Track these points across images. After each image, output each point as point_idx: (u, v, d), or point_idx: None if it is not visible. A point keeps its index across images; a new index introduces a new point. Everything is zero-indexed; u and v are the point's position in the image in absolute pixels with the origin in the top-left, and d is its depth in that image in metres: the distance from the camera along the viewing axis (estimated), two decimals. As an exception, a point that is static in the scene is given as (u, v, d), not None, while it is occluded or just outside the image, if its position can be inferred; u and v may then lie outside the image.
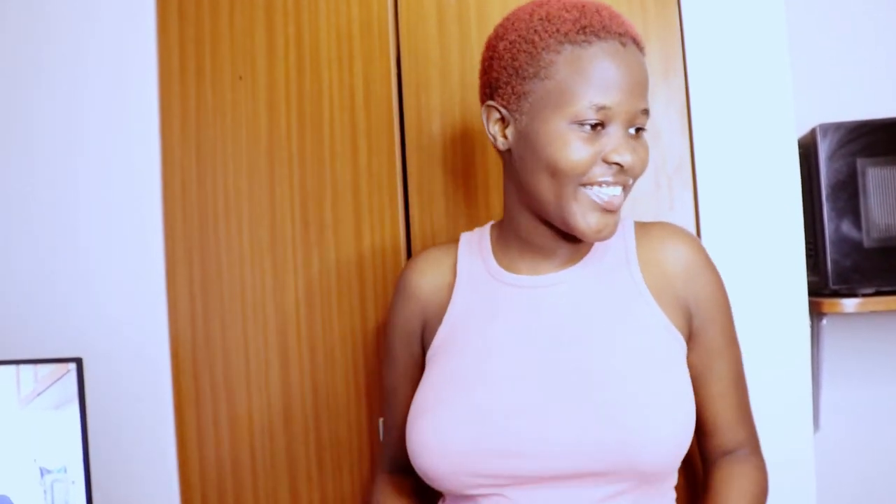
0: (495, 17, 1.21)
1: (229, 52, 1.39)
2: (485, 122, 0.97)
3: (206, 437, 1.37)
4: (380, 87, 1.35)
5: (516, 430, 0.89)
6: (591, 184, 0.91)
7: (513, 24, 0.94)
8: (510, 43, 0.93)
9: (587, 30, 0.89)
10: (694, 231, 1.28)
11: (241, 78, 1.38)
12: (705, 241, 1.27)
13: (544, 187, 0.92)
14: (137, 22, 1.42)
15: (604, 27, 0.89)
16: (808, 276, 1.26)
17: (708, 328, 1.00)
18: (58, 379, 1.25)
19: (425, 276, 1.06)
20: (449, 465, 0.90)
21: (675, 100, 1.29)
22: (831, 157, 1.34)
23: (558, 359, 0.93)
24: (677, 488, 1.01)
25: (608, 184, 0.91)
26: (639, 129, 0.93)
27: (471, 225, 1.29)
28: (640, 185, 1.28)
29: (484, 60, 0.98)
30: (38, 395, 1.25)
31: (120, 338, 1.40)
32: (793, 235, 1.25)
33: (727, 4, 1.27)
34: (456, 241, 1.09)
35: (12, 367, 1.25)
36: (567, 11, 0.91)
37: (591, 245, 1.02)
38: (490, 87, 0.96)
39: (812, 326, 1.37)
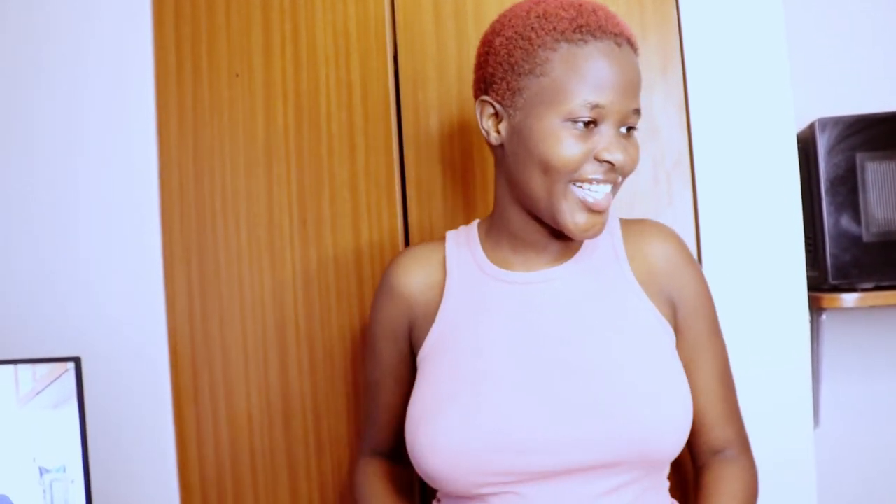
0: (492, 13, 1.21)
1: (226, 49, 1.39)
2: (478, 117, 0.98)
3: (206, 435, 1.37)
4: (377, 84, 1.34)
5: (527, 426, 0.89)
6: (582, 181, 0.92)
7: (510, 20, 0.95)
8: (507, 39, 0.94)
9: (584, 29, 0.90)
10: (693, 227, 1.28)
11: (237, 76, 1.38)
12: (704, 236, 1.27)
13: (536, 183, 0.93)
14: (134, 21, 1.41)
15: (600, 27, 0.90)
16: (807, 271, 1.26)
17: (690, 323, 1.02)
18: (56, 378, 1.25)
19: (413, 275, 1.06)
20: (461, 465, 0.90)
21: (673, 95, 1.29)
22: (830, 152, 1.34)
23: (558, 354, 0.94)
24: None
25: (598, 181, 0.92)
26: (630, 129, 0.94)
27: (469, 220, 1.28)
28: (639, 181, 1.28)
29: (479, 56, 0.99)
30: (37, 394, 1.25)
31: (118, 337, 1.39)
32: (792, 230, 1.25)
33: (725, -1, 1.27)
34: (441, 239, 1.09)
35: (10, 367, 1.25)
36: (564, 10, 0.92)
37: (581, 241, 1.02)
38: (485, 83, 0.97)
39: (811, 322, 1.37)
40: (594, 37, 0.90)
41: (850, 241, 1.34)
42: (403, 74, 1.35)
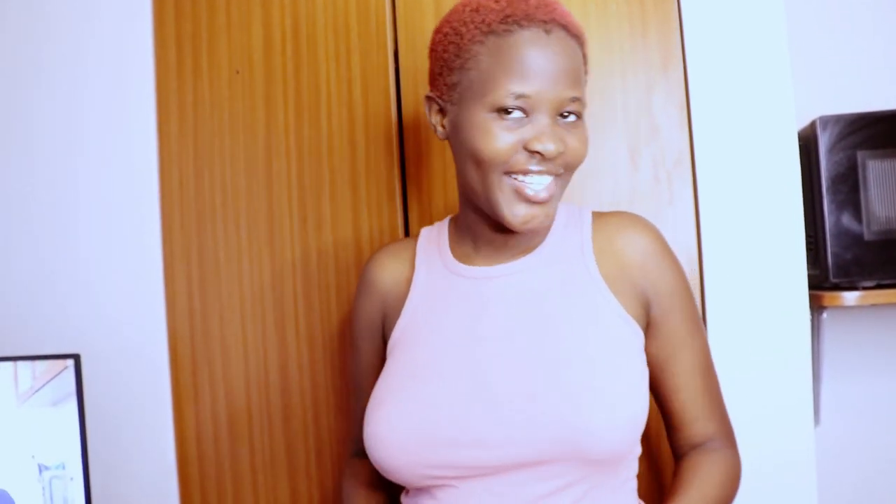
0: (493, 10, 1.21)
1: (226, 46, 1.38)
2: (426, 112, 1.00)
3: (205, 433, 1.37)
4: (378, 81, 1.34)
5: (467, 419, 0.89)
6: (515, 172, 0.91)
7: (449, 16, 0.97)
8: (443, 35, 0.96)
9: (510, 19, 0.90)
10: (694, 226, 1.27)
11: (238, 72, 1.38)
12: (705, 235, 1.26)
13: (472, 177, 0.94)
14: (134, 18, 1.41)
15: (527, 16, 0.90)
16: (808, 269, 1.26)
17: (667, 318, 0.99)
18: (56, 375, 1.24)
19: (385, 270, 1.08)
20: (402, 456, 0.91)
21: (674, 94, 1.28)
22: (831, 150, 1.34)
23: (509, 348, 0.93)
24: (641, 478, 1.01)
25: (534, 173, 0.91)
26: (576, 118, 0.93)
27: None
28: (640, 180, 1.28)
29: (428, 53, 1.01)
30: (36, 391, 1.25)
31: (118, 334, 1.39)
32: (793, 228, 1.25)
33: (726, -4, 1.27)
34: (418, 235, 1.11)
35: (10, 364, 1.25)
36: (496, 2, 0.92)
37: (544, 235, 1.02)
38: (430, 79, 1.00)
39: (812, 320, 1.37)
40: (520, 26, 0.90)
41: (851, 240, 1.34)
42: (404, 71, 1.35)
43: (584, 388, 0.88)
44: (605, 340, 0.93)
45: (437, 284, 1.03)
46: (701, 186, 1.27)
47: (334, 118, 1.35)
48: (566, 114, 0.92)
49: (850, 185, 1.34)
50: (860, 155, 1.34)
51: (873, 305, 1.49)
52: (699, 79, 1.28)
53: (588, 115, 1.28)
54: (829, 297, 1.34)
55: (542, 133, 0.90)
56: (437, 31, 0.98)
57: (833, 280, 1.35)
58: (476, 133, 0.91)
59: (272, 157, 1.37)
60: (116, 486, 1.38)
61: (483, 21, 0.91)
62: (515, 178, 0.92)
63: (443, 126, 0.98)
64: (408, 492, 1.00)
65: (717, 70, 1.27)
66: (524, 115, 0.90)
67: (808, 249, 1.31)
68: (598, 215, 1.03)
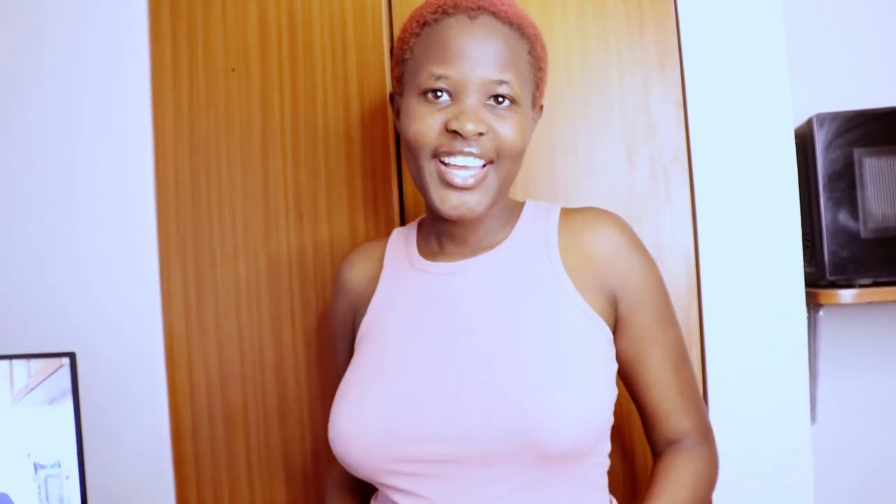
0: (490, 8, 1.21)
1: (222, 44, 1.38)
2: (391, 109, 1.03)
3: (201, 431, 1.36)
4: (373, 78, 1.34)
5: (426, 414, 0.89)
6: (441, 155, 0.93)
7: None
8: (398, 36, 1.00)
9: (440, 9, 0.94)
10: (690, 223, 1.27)
11: (233, 70, 1.37)
12: (702, 233, 1.26)
13: (410, 165, 0.97)
14: (130, 15, 1.41)
15: (455, 4, 0.94)
16: (804, 266, 1.26)
17: (636, 313, 0.98)
18: (51, 374, 1.24)
19: (355, 269, 1.09)
20: (363, 450, 0.91)
21: (671, 91, 1.28)
22: (828, 147, 1.34)
23: (468, 344, 0.93)
24: (615, 474, 1.02)
25: (462, 154, 0.92)
26: (510, 103, 0.93)
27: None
28: (637, 178, 1.28)
29: None
30: (32, 390, 1.24)
31: (114, 332, 1.39)
32: (789, 226, 1.25)
33: (723, -6, 1.27)
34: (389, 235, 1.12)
35: (5, 362, 1.24)
36: None
37: (508, 231, 1.02)
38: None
39: (809, 318, 1.37)
40: (447, 14, 0.93)
41: (848, 237, 1.34)
42: (400, 69, 1.34)
43: (541, 384, 0.87)
44: (565, 337, 0.92)
45: (402, 282, 1.03)
46: (698, 184, 1.27)
47: (330, 114, 1.35)
48: (500, 100, 0.93)
49: (846, 183, 1.34)
50: (857, 152, 1.34)
51: (870, 303, 1.49)
52: (696, 77, 1.27)
53: (585, 113, 1.29)
54: (825, 294, 1.34)
55: (461, 113, 0.91)
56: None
57: (830, 278, 1.35)
58: (406, 118, 0.94)
59: (268, 154, 1.36)
60: (112, 484, 1.38)
61: (421, 14, 0.96)
62: (442, 163, 0.93)
63: (398, 119, 1.00)
64: (377, 496, 1.00)
65: (713, 68, 1.27)
66: (450, 99, 0.93)
67: (805, 247, 1.31)
68: (566, 211, 1.03)
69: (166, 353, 1.38)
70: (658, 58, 1.29)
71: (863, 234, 1.34)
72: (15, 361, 1.24)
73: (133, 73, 1.40)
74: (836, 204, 1.34)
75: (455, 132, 0.91)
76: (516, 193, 1.29)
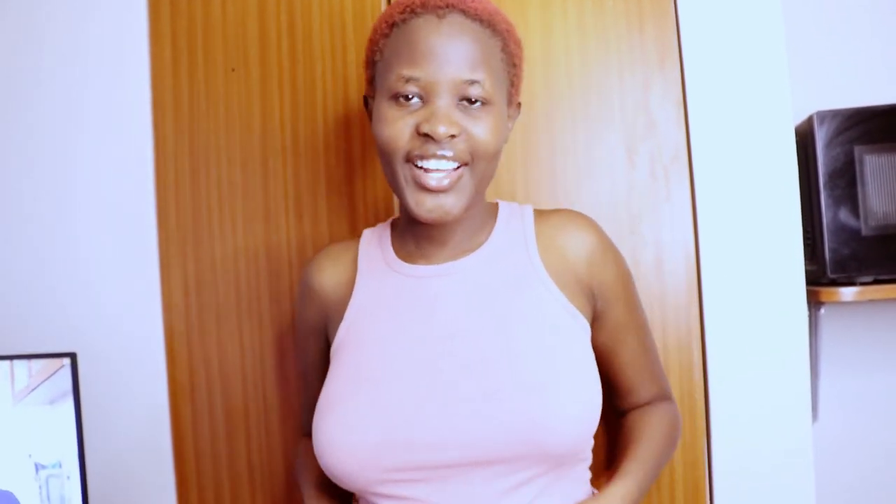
0: (489, 6, 1.20)
1: (222, 43, 1.38)
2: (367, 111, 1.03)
3: (202, 431, 1.36)
4: (373, 78, 1.34)
5: (423, 422, 0.88)
6: (413, 159, 0.91)
7: None
8: (370, 34, 0.99)
9: (407, 9, 0.92)
10: (691, 222, 1.27)
11: (233, 70, 1.37)
12: (702, 231, 1.26)
13: (385, 169, 0.96)
14: (130, 14, 1.41)
15: (423, 4, 0.92)
16: (805, 264, 1.26)
17: (613, 308, 1.03)
18: (52, 374, 1.24)
19: (325, 273, 1.07)
20: (357, 460, 0.89)
21: (670, 89, 1.28)
22: (829, 145, 1.34)
23: (457, 348, 0.92)
24: (597, 464, 1.06)
25: (436, 158, 0.90)
26: (482, 104, 0.92)
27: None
28: (637, 177, 1.28)
29: None
30: (33, 390, 1.24)
31: (115, 332, 1.39)
32: (790, 224, 1.24)
33: (723, -8, 1.27)
34: (360, 236, 1.10)
35: (6, 363, 1.24)
36: None
37: (488, 232, 1.02)
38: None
39: (810, 316, 1.37)
40: (415, 14, 0.92)
41: (849, 235, 1.34)
42: (400, 68, 1.34)
43: (540, 385, 0.87)
44: (555, 335, 0.93)
45: (380, 285, 1.01)
46: (698, 182, 1.27)
47: (330, 114, 1.35)
48: (474, 100, 0.91)
49: (847, 181, 1.34)
50: (857, 150, 1.34)
51: (871, 301, 1.49)
52: (696, 75, 1.27)
53: (585, 112, 1.29)
54: (826, 292, 1.34)
55: (431, 115, 0.90)
56: None
57: (830, 275, 1.35)
58: (378, 123, 0.93)
59: (268, 154, 1.36)
60: (113, 484, 1.38)
61: (390, 15, 0.94)
62: (416, 166, 0.91)
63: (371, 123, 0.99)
64: (357, 499, 0.99)
65: (713, 66, 1.27)
66: (421, 102, 0.91)
67: (806, 245, 1.31)
68: (539, 213, 1.04)
69: (167, 353, 1.38)
70: (658, 56, 1.29)
71: (864, 232, 1.34)
72: (16, 362, 1.24)
73: (133, 74, 1.40)
74: (836, 201, 1.34)
75: (427, 135, 0.89)
76: (516, 194, 1.29)
